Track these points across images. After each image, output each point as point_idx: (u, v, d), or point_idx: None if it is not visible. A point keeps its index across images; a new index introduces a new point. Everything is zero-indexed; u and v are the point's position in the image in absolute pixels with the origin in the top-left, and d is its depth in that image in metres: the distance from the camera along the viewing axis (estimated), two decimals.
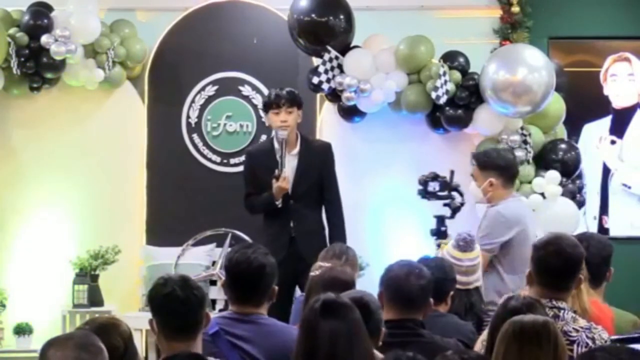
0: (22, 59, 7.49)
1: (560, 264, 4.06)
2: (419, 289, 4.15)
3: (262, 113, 7.48)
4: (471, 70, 7.41)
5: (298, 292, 6.48)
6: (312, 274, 4.55)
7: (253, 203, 6.85)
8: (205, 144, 7.95)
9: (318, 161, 6.80)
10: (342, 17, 7.39)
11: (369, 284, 6.02)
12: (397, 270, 4.20)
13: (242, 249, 4.27)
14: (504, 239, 5.92)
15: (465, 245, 5.57)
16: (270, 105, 6.77)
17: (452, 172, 6.60)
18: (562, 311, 3.98)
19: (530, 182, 7.25)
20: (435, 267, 4.96)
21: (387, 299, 4.11)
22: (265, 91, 7.92)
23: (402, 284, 4.14)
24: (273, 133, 6.87)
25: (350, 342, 3.25)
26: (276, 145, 6.75)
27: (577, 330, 3.93)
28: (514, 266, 5.88)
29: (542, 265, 4.08)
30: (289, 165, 6.74)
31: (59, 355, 3.12)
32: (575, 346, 3.88)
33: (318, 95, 7.69)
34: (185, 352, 3.52)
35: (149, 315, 3.75)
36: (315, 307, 3.30)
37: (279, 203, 6.68)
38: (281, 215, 6.71)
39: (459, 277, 5.16)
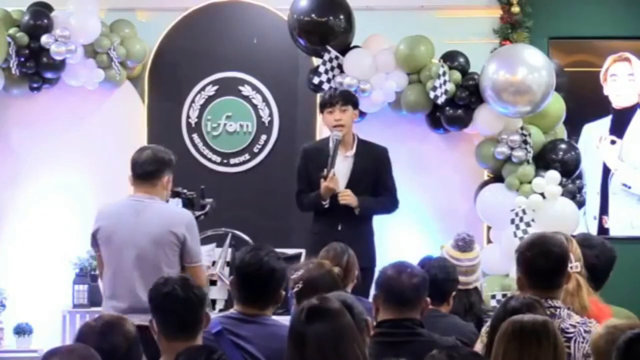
0: (22, 59, 7.50)
1: (549, 264, 4.06)
2: (412, 287, 4.15)
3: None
4: (471, 70, 7.41)
5: None
6: (293, 291, 4.46)
7: (303, 201, 6.78)
8: (205, 144, 7.95)
9: (373, 165, 6.71)
10: (342, 17, 7.40)
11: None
12: (390, 271, 4.20)
13: (254, 249, 4.27)
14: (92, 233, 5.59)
15: (464, 245, 5.58)
16: (324, 104, 6.70)
17: (202, 189, 6.43)
18: (557, 309, 3.99)
19: (530, 182, 7.25)
20: (438, 268, 4.95)
21: (382, 301, 4.11)
22: (266, 91, 7.94)
23: (394, 284, 4.14)
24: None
25: (337, 345, 3.23)
26: (331, 144, 6.70)
27: (574, 326, 3.94)
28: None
29: (531, 267, 4.08)
30: (344, 166, 6.67)
31: None
32: (572, 343, 3.89)
33: (318, 95, 7.69)
34: (196, 345, 3.53)
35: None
36: (300, 316, 3.30)
37: (326, 204, 6.60)
38: (330, 217, 6.62)
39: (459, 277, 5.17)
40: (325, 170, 6.56)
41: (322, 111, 6.76)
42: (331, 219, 6.62)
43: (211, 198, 6.41)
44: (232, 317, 4.19)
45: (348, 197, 6.58)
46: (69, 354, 3.17)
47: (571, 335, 3.91)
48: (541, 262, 4.05)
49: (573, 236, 4.75)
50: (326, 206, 6.62)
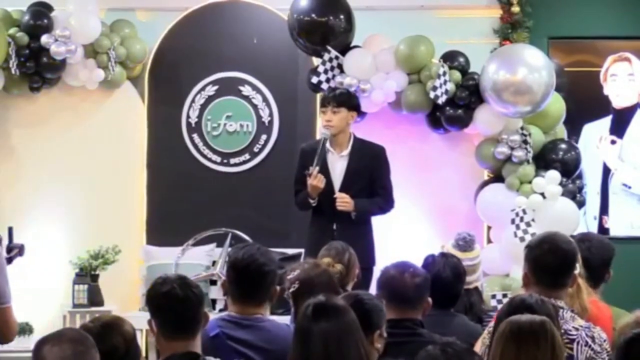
0: (22, 59, 7.50)
1: (557, 261, 4.08)
2: (414, 287, 4.16)
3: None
4: (471, 70, 7.41)
5: None
6: (289, 291, 4.45)
7: (297, 200, 6.80)
8: (206, 143, 7.95)
9: (369, 164, 6.70)
10: (342, 17, 7.39)
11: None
12: (392, 271, 4.22)
13: (247, 247, 4.28)
14: None
15: (465, 244, 5.58)
16: (321, 103, 6.79)
17: (10, 229, 5.95)
18: (561, 310, 3.98)
19: (530, 182, 7.25)
20: (451, 270, 4.92)
21: (384, 300, 4.11)
22: (266, 91, 7.94)
23: (397, 283, 4.16)
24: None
25: (342, 343, 3.26)
26: (327, 144, 6.71)
27: (577, 329, 3.94)
28: None
29: (539, 264, 4.09)
30: (338, 166, 6.68)
31: (55, 351, 3.14)
32: (575, 344, 3.89)
33: (318, 95, 7.69)
34: (182, 351, 3.54)
35: (149, 315, 3.74)
36: (307, 312, 3.32)
37: (313, 202, 6.61)
38: (325, 216, 6.62)
39: None
40: (310, 168, 6.56)
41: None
42: (326, 218, 6.63)
43: (21, 242, 5.73)
44: (229, 320, 4.18)
45: (346, 204, 6.58)
46: (59, 338, 3.19)
47: (574, 337, 3.91)
48: (549, 259, 4.07)
49: (572, 236, 4.74)
50: (314, 204, 6.63)
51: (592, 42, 8.25)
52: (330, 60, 7.37)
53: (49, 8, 7.66)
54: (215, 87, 7.96)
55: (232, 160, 7.95)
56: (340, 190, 6.62)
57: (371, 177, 6.71)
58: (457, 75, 7.34)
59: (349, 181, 6.65)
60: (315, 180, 6.54)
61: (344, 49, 7.46)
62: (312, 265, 4.55)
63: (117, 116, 8.00)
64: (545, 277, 4.07)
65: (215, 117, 7.96)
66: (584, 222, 7.82)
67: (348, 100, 6.74)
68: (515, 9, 7.84)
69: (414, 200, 7.69)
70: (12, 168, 7.96)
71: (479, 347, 4.06)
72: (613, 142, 8.16)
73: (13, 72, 7.48)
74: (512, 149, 7.28)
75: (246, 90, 7.96)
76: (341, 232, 6.39)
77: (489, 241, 7.61)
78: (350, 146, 6.74)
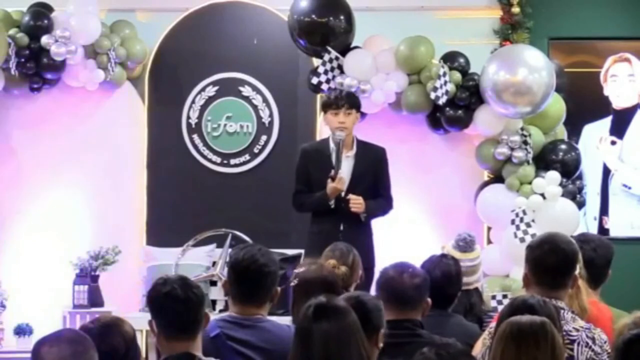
0: (23, 60, 7.50)
1: (557, 262, 4.08)
2: (413, 288, 4.16)
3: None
4: (471, 70, 7.41)
5: None
6: (291, 284, 4.47)
7: (303, 201, 6.78)
8: (206, 144, 7.95)
9: (373, 165, 6.74)
10: (342, 17, 7.40)
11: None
12: (391, 272, 4.22)
13: (248, 247, 4.28)
14: None
15: (465, 245, 5.58)
16: (329, 105, 6.71)
17: None
18: (562, 311, 3.98)
19: (530, 183, 7.26)
20: (441, 271, 4.92)
21: (383, 301, 4.11)
22: (266, 92, 7.94)
23: (396, 284, 4.16)
24: (330, 133, 6.79)
25: (342, 345, 3.26)
26: (332, 145, 6.69)
27: (577, 330, 3.94)
28: None
29: (539, 265, 4.09)
30: (345, 166, 6.68)
31: (54, 351, 3.14)
32: (575, 345, 3.89)
33: (318, 96, 7.70)
34: (180, 352, 3.54)
35: (149, 315, 3.75)
36: (308, 313, 3.32)
37: (332, 204, 6.62)
38: (331, 216, 6.64)
39: None
40: (333, 172, 6.58)
41: (325, 111, 6.78)
42: (334, 219, 6.63)
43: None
44: (229, 320, 4.17)
45: (359, 206, 6.60)
46: (58, 339, 3.19)
47: (574, 337, 3.91)
48: (550, 259, 4.07)
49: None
50: (332, 206, 6.64)
51: (593, 43, 8.25)
52: (331, 60, 7.38)
53: (49, 9, 7.66)
54: (216, 88, 7.96)
55: (232, 161, 7.95)
56: (348, 190, 6.65)
57: (374, 179, 6.73)
58: (457, 76, 7.34)
59: (355, 182, 6.68)
60: (339, 184, 6.57)
61: (344, 49, 7.46)
62: (317, 267, 4.56)
63: (117, 117, 8.00)
64: (546, 277, 4.07)
65: (215, 117, 7.96)
66: (584, 222, 7.82)
67: (358, 102, 6.78)
68: (516, 9, 7.84)
69: (414, 201, 7.69)
70: (12, 168, 7.96)
71: (479, 348, 4.06)
72: (613, 142, 8.16)
73: (12, 72, 7.47)
74: (512, 149, 7.28)
75: (246, 91, 7.96)
76: (347, 233, 6.42)
77: (489, 242, 7.61)
78: (354, 147, 6.76)
